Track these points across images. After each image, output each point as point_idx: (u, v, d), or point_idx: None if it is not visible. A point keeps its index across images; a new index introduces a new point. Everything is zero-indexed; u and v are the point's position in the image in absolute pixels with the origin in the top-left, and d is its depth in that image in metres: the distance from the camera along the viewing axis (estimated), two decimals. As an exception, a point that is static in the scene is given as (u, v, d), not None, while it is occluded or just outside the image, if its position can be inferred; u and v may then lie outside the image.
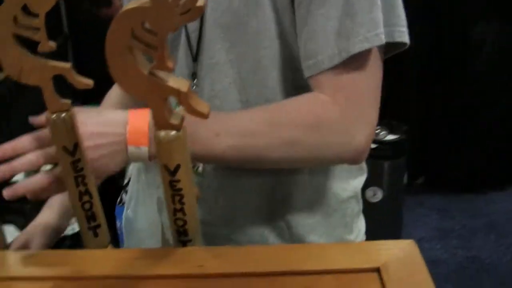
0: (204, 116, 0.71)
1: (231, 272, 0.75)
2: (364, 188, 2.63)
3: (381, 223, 2.75)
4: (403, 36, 0.93)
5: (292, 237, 1.08)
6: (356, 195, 1.16)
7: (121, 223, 1.92)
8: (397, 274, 0.72)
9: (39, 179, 0.83)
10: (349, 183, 1.12)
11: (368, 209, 2.69)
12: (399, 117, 2.83)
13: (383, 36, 0.89)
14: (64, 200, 1.00)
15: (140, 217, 1.27)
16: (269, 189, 1.05)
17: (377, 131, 2.70)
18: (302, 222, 1.08)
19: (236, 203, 1.08)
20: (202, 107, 0.71)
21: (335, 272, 0.74)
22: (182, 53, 1.03)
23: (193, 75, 1.04)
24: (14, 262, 0.83)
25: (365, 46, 0.88)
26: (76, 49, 3.21)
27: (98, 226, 0.86)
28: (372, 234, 2.71)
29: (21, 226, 1.83)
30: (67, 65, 0.75)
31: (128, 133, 0.85)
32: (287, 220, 1.07)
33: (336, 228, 1.12)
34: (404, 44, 0.94)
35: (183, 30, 1.02)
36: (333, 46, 0.89)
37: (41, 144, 0.84)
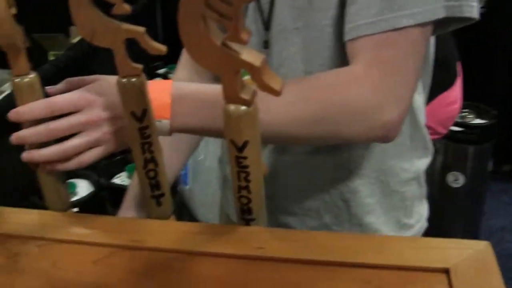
0: (276, 93, 0.67)
1: (290, 258, 0.72)
2: (446, 171, 2.55)
3: (461, 209, 2.67)
4: (473, 11, 0.87)
5: (350, 217, 1.05)
6: (418, 177, 1.11)
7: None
8: (468, 278, 0.67)
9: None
10: (412, 164, 1.08)
11: (448, 193, 2.64)
12: (488, 101, 2.72)
13: (434, 12, 0.84)
14: (140, 199, 0.99)
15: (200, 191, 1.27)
16: (332, 166, 1.03)
17: (463, 114, 2.60)
18: (361, 201, 1.05)
19: (299, 178, 1.06)
20: (275, 83, 0.68)
21: (398, 268, 0.70)
22: (251, 21, 1.01)
23: (265, 44, 1.02)
24: (71, 225, 0.82)
25: (410, 22, 0.83)
26: (164, 9, 3.20)
27: (162, 195, 0.85)
28: (450, 219, 2.64)
29: (94, 182, 1.84)
30: (141, 29, 0.73)
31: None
32: (346, 198, 1.04)
33: (395, 210, 1.09)
34: (471, 19, 0.88)
35: None
36: (375, 13, 0.84)
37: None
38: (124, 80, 0.76)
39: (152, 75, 2.61)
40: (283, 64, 1.00)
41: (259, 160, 0.75)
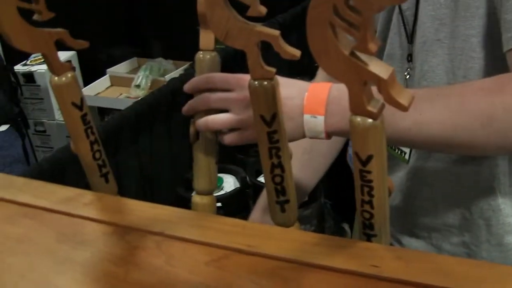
0: (403, 108, 0.64)
1: (407, 280, 0.68)
2: None
3: None
4: None
5: (489, 237, 0.99)
6: None
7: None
8: None
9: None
10: None
11: None
12: None
13: None
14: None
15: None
16: (473, 179, 0.97)
17: None
18: (502, 220, 0.98)
19: (434, 193, 1.02)
20: (404, 98, 0.65)
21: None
22: (395, 33, 0.98)
23: (409, 57, 0.97)
24: (192, 222, 0.83)
25: None
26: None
27: (287, 201, 0.84)
28: None
29: (241, 179, 1.87)
30: (276, 32, 0.73)
31: (306, 100, 0.83)
32: (487, 217, 0.98)
33: None
34: None
35: (396, 8, 0.97)
36: None
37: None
38: (256, 83, 0.76)
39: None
40: (425, 77, 0.97)
41: (384, 176, 0.72)
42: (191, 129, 0.93)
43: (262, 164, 0.82)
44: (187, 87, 0.91)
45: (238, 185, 1.86)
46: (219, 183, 1.80)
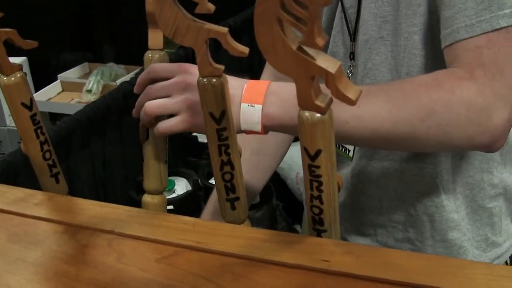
0: (351, 102, 0.65)
1: (357, 274, 0.69)
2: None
3: None
4: None
5: (433, 233, 1.01)
6: (506, 193, 1.05)
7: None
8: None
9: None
10: (500, 179, 1.02)
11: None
12: None
13: None
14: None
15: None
16: (417, 175, 0.99)
17: None
18: (446, 216, 1.00)
19: (379, 190, 1.03)
20: (351, 92, 0.65)
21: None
22: (338, 32, 0.99)
23: (351, 55, 0.99)
24: (142, 220, 0.82)
25: (509, 21, 0.79)
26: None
27: (237, 199, 0.84)
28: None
29: (193, 182, 1.87)
30: (224, 29, 0.73)
31: (245, 90, 0.83)
32: (431, 213, 1.00)
33: (482, 227, 1.04)
34: None
35: (339, 6, 0.98)
36: (471, 15, 0.81)
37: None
38: (205, 80, 0.76)
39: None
40: (368, 75, 0.98)
41: (333, 171, 0.72)
42: (140, 128, 0.92)
43: (212, 162, 0.81)
44: (135, 88, 0.90)
45: (190, 187, 1.86)
46: (170, 186, 1.80)
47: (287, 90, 0.82)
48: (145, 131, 0.92)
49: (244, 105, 0.83)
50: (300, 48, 0.64)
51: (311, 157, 0.70)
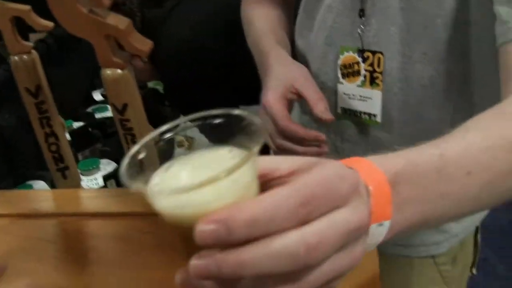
0: (143, 53, 0.73)
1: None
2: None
3: None
4: None
5: None
6: None
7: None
8: None
9: None
10: None
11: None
12: None
13: None
14: None
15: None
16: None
17: None
18: None
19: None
20: (143, 44, 0.73)
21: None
22: None
23: (361, 12, 0.91)
24: None
25: None
26: None
27: (66, 168, 0.89)
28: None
29: (50, 181, 1.86)
30: (26, 7, 0.78)
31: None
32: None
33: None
34: None
35: None
36: None
37: None
38: (16, 57, 0.81)
39: None
40: (379, 43, 0.91)
41: (144, 123, 0.79)
42: None
43: (37, 136, 0.86)
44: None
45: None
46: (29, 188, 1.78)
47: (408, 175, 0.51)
48: None
49: (372, 227, 0.48)
50: (91, 10, 0.71)
51: (119, 111, 0.77)
